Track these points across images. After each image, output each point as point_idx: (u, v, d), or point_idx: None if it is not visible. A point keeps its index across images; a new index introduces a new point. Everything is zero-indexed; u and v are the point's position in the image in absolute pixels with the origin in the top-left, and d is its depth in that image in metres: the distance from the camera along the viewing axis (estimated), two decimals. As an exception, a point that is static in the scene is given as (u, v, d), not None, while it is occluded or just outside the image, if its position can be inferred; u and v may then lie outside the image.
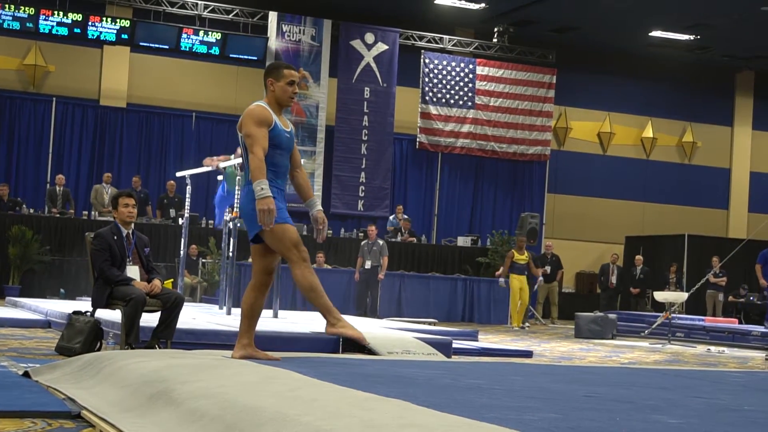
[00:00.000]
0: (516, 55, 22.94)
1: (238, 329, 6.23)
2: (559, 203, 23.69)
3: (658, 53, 23.28)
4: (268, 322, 9.86)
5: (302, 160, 19.72)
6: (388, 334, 8.82)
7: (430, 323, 14.34)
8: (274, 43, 20.99)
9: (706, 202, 25.17)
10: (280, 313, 11.47)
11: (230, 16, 20.96)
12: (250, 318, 6.16)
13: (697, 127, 24.98)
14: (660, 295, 15.61)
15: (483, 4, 20.97)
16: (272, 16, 21.10)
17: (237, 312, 11.35)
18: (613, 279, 20.50)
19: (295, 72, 6.24)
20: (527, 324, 17.96)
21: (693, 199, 24.95)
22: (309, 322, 10.23)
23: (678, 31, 21.91)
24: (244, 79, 21.15)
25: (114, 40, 19.73)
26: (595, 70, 23.70)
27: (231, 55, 20.65)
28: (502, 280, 17.84)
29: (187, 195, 12.76)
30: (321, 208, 6.44)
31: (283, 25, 21.14)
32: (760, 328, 16.10)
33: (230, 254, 11.52)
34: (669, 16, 20.96)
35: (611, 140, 24.19)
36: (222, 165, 11.67)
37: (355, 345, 7.59)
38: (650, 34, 22.17)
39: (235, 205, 10.85)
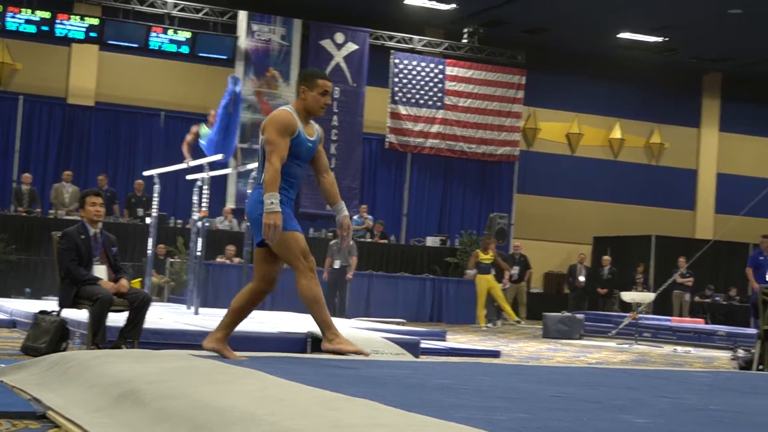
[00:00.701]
0: (486, 56, 22.98)
1: (205, 329, 6.20)
2: (528, 204, 23.76)
3: (627, 55, 23.41)
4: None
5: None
6: (357, 334, 8.82)
7: (398, 323, 14.35)
8: (243, 42, 20.92)
9: (673, 203, 25.33)
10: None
11: (200, 15, 20.88)
12: (234, 316, 6.05)
13: (664, 128, 25.13)
14: (627, 296, 15.71)
15: (453, 5, 21.00)
16: (242, 15, 21.02)
17: (204, 312, 11.32)
18: (581, 279, 20.59)
19: (330, 82, 6.08)
20: (500, 321, 18.08)
21: (660, 200, 25.11)
22: (276, 322, 10.21)
23: (646, 33, 22.04)
24: (214, 78, 21.05)
25: (82, 38, 19.59)
26: (564, 71, 23.78)
27: (200, 54, 20.56)
28: (470, 272, 17.96)
29: (155, 194, 12.70)
30: (347, 214, 6.40)
31: (252, 25, 21.07)
32: (726, 328, 16.24)
33: (198, 254, 11.47)
34: (637, 18, 21.08)
35: (580, 141, 24.30)
36: (195, 132, 11.76)
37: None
38: (618, 35, 22.29)
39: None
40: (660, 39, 22.29)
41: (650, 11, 20.47)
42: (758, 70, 24.08)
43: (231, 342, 6.11)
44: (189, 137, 12.08)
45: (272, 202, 5.63)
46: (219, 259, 17.59)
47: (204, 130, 11.96)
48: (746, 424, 4.59)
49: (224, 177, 19.08)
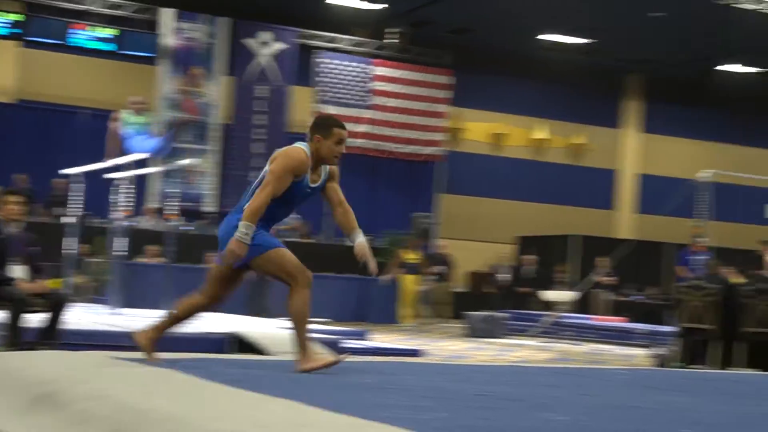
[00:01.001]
0: (413, 56, 23.05)
1: (125, 330, 6.12)
2: (453, 203, 23.88)
3: (551, 56, 23.64)
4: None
5: (195, 160, 19.44)
6: (280, 333, 8.79)
7: (322, 323, 14.32)
8: (168, 40, 20.71)
9: (595, 203, 25.66)
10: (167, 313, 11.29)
11: (124, 12, 20.61)
12: (172, 322, 5.92)
13: (587, 129, 25.44)
14: (549, 295, 15.88)
15: (380, 5, 21.01)
16: (167, 13, 20.80)
17: (126, 312, 11.17)
18: (504, 278, 20.74)
19: (345, 131, 5.86)
20: (425, 325, 18.12)
21: (583, 200, 25.42)
22: (197, 322, 10.12)
23: (570, 34, 22.28)
24: (138, 76, 20.80)
25: (6, 34, 19.25)
26: (491, 72, 23.93)
27: (125, 52, 20.34)
28: (386, 276, 17.96)
29: (77, 193, 12.51)
30: (362, 240, 6.18)
31: (177, 22, 20.87)
32: (646, 326, 16.49)
33: (120, 254, 11.34)
34: (561, 20, 21.30)
35: (505, 141, 24.49)
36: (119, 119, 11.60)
37: (247, 345, 7.55)
38: (543, 37, 22.50)
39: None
40: (583, 41, 22.55)
41: (573, 13, 20.69)
42: (681, 73, 24.50)
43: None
44: (114, 125, 11.86)
45: (246, 233, 5.45)
46: (140, 259, 17.38)
47: (132, 118, 11.76)
48: (666, 421, 4.66)
49: (145, 176, 18.85)
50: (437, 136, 23.14)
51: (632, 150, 26.10)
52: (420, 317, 18.19)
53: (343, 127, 5.85)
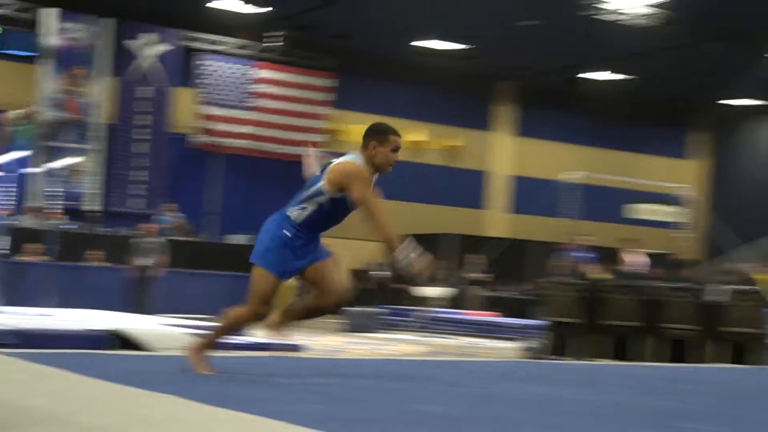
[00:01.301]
0: (295, 60, 22.99)
1: (8, 328, 5.96)
2: (333, 203, 23.88)
3: (428, 62, 23.84)
4: (38, 319, 9.52)
5: (77, 159, 19.00)
6: (163, 330, 8.70)
7: (205, 320, 14.19)
8: (51, 39, 20.21)
9: (469, 203, 26.02)
10: (50, 310, 11.07)
11: (6, 11, 20.02)
12: (222, 330, 5.65)
13: (463, 132, 25.77)
14: (424, 291, 16.06)
15: (264, 9, 20.88)
16: (50, 13, 20.29)
17: (5, 310, 10.89)
18: (382, 275, 20.88)
19: (401, 138, 5.76)
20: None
21: (458, 200, 25.75)
22: (79, 319, 9.94)
23: (447, 40, 22.50)
24: (20, 75, 20.26)
25: None
26: (371, 76, 24.04)
27: (7, 51, 19.85)
28: None
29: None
30: None
31: (61, 23, 20.38)
32: (518, 321, 16.78)
33: (1, 252, 11.05)
34: (437, 28, 21.53)
35: (383, 143, 24.61)
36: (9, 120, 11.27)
37: (128, 342, 7.46)
38: (420, 43, 22.68)
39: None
40: (459, 47, 22.84)
41: (448, 21, 20.93)
42: (552, 79, 25.02)
43: (30, 338, 5.90)
44: (6, 129, 11.52)
45: (408, 249, 5.45)
46: (20, 257, 16.94)
47: (23, 126, 11.43)
48: (537, 411, 4.78)
49: (27, 175, 18.40)
50: (316, 138, 23.12)
51: (506, 153, 26.55)
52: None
53: (399, 135, 5.76)
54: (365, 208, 5.44)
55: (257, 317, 5.60)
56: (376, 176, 5.70)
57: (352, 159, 5.58)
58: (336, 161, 5.61)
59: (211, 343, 5.61)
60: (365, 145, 5.65)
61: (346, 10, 20.70)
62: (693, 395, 6.42)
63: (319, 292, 5.62)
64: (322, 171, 5.57)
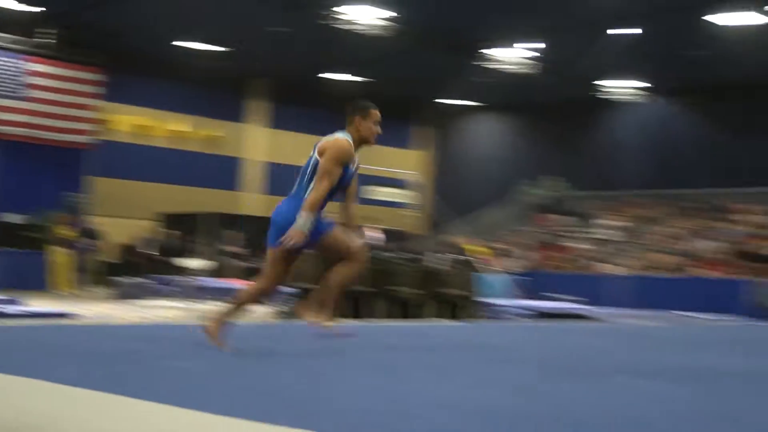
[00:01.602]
0: (66, 55, 22.18)
1: None
2: (106, 185, 23.33)
3: (192, 60, 23.65)
4: None
5: None
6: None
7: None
8: None
9: (226, 185, 26.16)
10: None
11: None
12: (238, 305, 5.76)
13: (222, 123, 25.81)
14: (186, 262, 16.12)
15: (36, 8, 20.05)
16: None
17: None
18: (150, 249, 20.65)
19: (379, 111, 5.62)
20: (78, 291, 17.73)
21: (217, 183, 25.84)
22: None
23: (207, 42, 22.44)
24: None
25: None
26: (139, 72, 23.58)
27: None
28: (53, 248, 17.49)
29: None
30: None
31: None
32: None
33: None
34: (196, 30, 21.51)
35: (151, 132, 24.33)
36: None
37: None
38: (180, 44, 22.47)
39: None
40: (218, 48, 22.83)
41: (207, 25, 20.97)
42: (299, 79, 25.48)
43: None
44: None
45: (305, 223, 5.23)
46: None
47: None
48: (258, 363, 5.09)
49: None
50: (86, 127, 22.46)
51: (260, 142, 26.79)
52: (73, 285, 17.76)
53: (377, 109, 5.68)
54: (319, 175, 5.39)
55: (265, 293, 5.70)
56: (357, 162, 5.68)
57: (340, 136, 5.60)
58: (325, 138, 5.64)
59: (230, 315, 5.68)
60: (350, 122, 5.62)
61: (116, 11, 20.28)
62: (420, 347, 6.94)
63: (342, 259, 5.56)
64: (313, 150, 5.59)
